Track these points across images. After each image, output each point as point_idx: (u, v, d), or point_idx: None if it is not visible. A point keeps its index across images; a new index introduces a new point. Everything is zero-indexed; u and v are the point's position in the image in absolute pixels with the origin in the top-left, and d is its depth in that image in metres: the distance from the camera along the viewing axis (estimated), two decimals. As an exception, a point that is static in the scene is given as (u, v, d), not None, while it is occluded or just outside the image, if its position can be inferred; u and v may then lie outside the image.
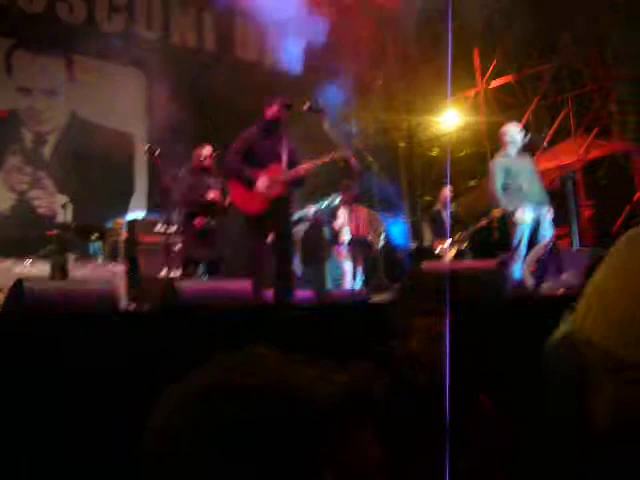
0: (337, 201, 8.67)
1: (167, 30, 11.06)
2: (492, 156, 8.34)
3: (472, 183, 11.79)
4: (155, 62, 9.92)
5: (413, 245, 10.78)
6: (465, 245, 8.55)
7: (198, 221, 6.79)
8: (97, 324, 3.60)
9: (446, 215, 9.03)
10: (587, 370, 1.52)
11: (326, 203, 8.68)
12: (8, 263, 7.15)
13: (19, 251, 7.93)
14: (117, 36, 10.46)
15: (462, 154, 11.96)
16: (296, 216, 7.06)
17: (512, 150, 7.38)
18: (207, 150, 7.10)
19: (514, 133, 7.47)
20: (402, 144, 12.72)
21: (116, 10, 10.63)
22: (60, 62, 10.05)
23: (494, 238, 8.70)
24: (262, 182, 5.60)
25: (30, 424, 2.79)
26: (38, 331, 3.24)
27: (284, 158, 5.78)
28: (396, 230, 10.71)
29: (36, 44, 9.71)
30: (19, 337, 3.18)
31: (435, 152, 12.71)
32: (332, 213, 8.68)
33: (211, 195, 6.85)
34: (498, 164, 7.39)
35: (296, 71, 12.31)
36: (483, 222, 8.36)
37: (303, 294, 6.53)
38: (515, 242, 7.09)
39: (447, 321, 1.86)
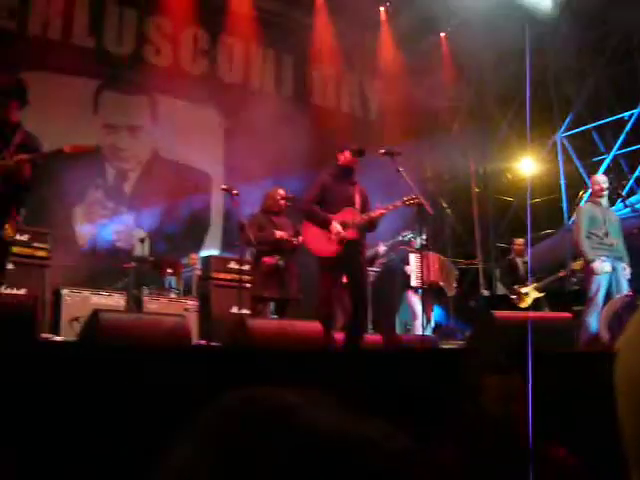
0: (407, 238, 8.57)
1: (247, 75, 11.35)
2: (571, 203, 8.19)
3: (547, 231, 11.56)
4: (234, 105, 10.17)
5: (486, 293, 10.61)
6: (541, 294, 8.36)
7: (267, 260, 6.85)
8: (168, 357, 3.65)
9: (521, 263, 8.86)
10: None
11: (396, 240, 8.61)
12: (86, 293, 7.36)
13: (97, 282, 8.17)
14: (200, 78, 10.81)
15: (537, 201, 11.77)
16: (366, 255, 7.04)
17: (602, 199, 7.26)
18: (279, 192, 7.19)
19: (603, 181, 7.34)
20: (477, 190, 12.61)
21: (200, 54, 11.00)
22: (144, 101, 10.42)
23: (570, 288, 8.49)
24: (336, 226, 5.63)
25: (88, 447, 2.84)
26: (112, 360, 3.31)
27: (357, 202, 5.81)
28: (468, 277, 10.56)
29: (122, 84, 10.12)
30: (94, 364, 3.25)
31: (510, 198, 12.56)
32: (403, 258, 8.62)
33: (281, 235, 6.91)
34: (586, 211, 7.25)
35: (372, 116, 12.45)
36: (562, 273, 8.17)
37: (373, 338, 6.49)
38: (591, 293, 6.90)
39: (529, 374, 1.78)
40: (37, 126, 5.34)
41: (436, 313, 8.86)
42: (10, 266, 5.90)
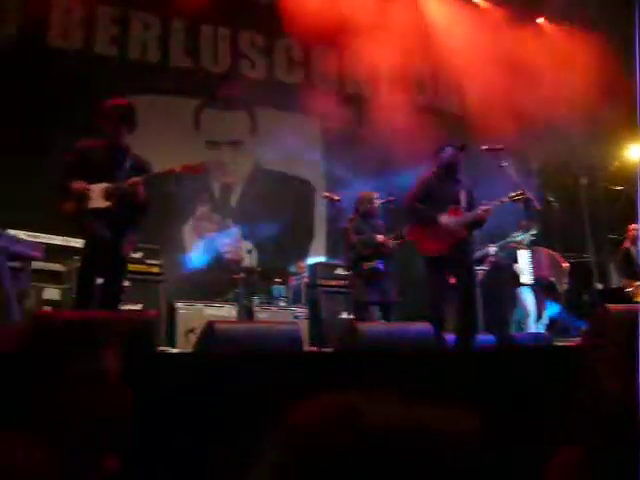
0: (518, 238, 8.41)
1: (342, 81, 11.42)
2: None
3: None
4: (331, 111, 10.23)
5: (599, 286, 10.24)
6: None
7: (367, 265, 6.84)
8: (282, 364, 3.72)
9: (636, 253, 8.51)
10: None
11: (506, 241, 8.45)
12: (199, 306, 7.60)
13: (208, 294, 8.40)
14: (296, 88, 10.96)
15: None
16: (476, 255, 6.93)
17: None
18: (374, 195, 7.16)
19: None
20: (584, 180, 12.18)
21: (294, 64, 11.15)
22: (243, 115, 10.66)
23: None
24: (444, 217, 5.56)
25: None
26: (228, 369, 3.41)
27: (463, 200, 5.73)
28: (580, 271, 10.20)
29: (221, 101, 10.39)
30: (210, 374, 3.35)
31: (620, 187, 12.06)
32: (513, 255, 8.43)
33: (379, 239, 6.90)
34: None
35: (470, 111, 12.25)
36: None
37: (484, 338, 6.39)
38: None
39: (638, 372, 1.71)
40: (143, 148, 5.55)
41: (550, 309, 8.63)
42: (126, 283, 6.16)
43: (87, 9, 9.67)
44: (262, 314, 7.82)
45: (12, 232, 6.57)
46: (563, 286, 8.47)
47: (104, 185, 4.92)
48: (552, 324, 8.35)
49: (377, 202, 7.06)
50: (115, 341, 1.54)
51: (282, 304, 8.37)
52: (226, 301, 8.14)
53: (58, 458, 1.30)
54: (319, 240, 10.69)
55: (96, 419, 1.45)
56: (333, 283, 8.21)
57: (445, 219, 5.60)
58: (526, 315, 8.22)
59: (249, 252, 8.69)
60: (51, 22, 9.42)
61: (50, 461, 1.29)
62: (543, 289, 8.33)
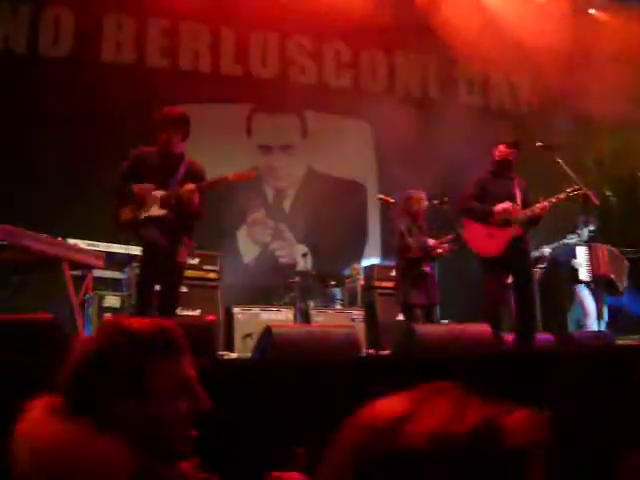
0: (574, 239, 8.25)
1: (392, 82, 11.38)
2: None
3: None
4: (382, 113, 10.20)
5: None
6: None
7: (415, 268, 6.81)
8: (340, 368, 3.72)
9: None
10: None
11: (563, 242, 8.31)
12: (256, 310, 7.65)
13: (264, 299, 8.46)
14: (345, 91, 10.97)
15: None
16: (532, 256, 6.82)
17: None
18: (422, 196, 7.12)
19: None
20: (640, 173, 11.88)
21: (343, 67, 11.15)
22: (294, 120, 10.71)
23: None
24: (502, 205, 5.48)
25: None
26: (287, 373, 3.42)
27: (518, 198, 5.65)
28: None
29: (272, 106, 10.45)
30: (271, 379, 3.37)
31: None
32: (570, 252, 8.26)
33: (430, 242, 6.87)
34: None
35: (523, 110, 12.09)
36: None
37: (543, 337, 6.27)
38: None
39: None
40: (196, 154, 5.61)
41: (610, 306, 8.41)
42: (184, 289, 6.24)
43: (138, 22, 9.86)
44: (318, 317, 7.84)
45: (72, 241, 6.74)
46: (622, 283, 8.26)
47: (159, 193, 5.01)
48: (613, 322, 8.15)
49: (425, 203, 7.00)
50: (189, 348, 1.54)
51: (338, 307, 8.38)
52: (282, 305, 8.18)
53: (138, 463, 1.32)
54: (373, 242, 10.66)
55: (178, 430, 1.45)
56: (389, 285, 8.17)
57: (500, 207, 5.53)
58: (585, 313, 8.04)
59: (304, 256, 8.71)
60: (103, 37, 9.62)
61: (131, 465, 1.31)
62: (602, 286, 8.14)
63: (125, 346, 1.43)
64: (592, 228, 8.24)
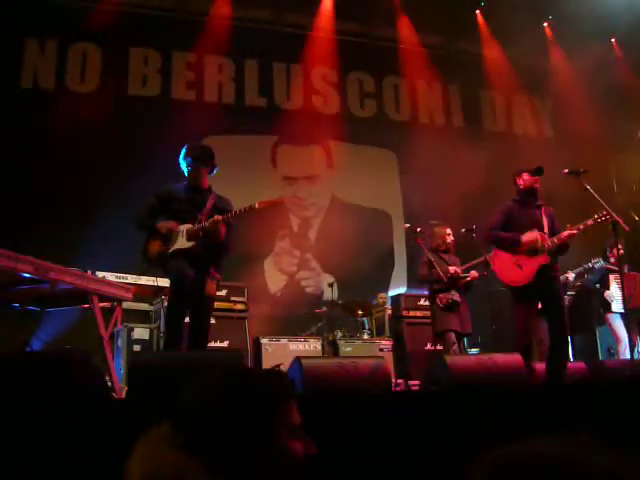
0: (599, 264, 8.13)
1: (416, 110, 11.42)
2: None
3: None
4: (407, 142, 10.23)
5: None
6: None
7: (442, 297, 6.85)
8: (372, 399, 3.69)
9: None
10: None
11: (586, 267, 8.19)
12: (284, 341, 7.62)
13: (292, 329, 8.44)
14: (369, 120, 11.02)
15: None
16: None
17: None
18: (447, 230, 7.24)
19: None
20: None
21: (367, 97, 11.22)
22: (319, 150, 10.76)
23: None
24: (532, 233, 5.44)
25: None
26: (319, 405, 3.39)
27: (545, 225, 5.59)
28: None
29: (296, 137, 10.52)
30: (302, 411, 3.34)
31: None
32: (600, 279, 8.14)
33: (452, 270, 6.90)
34: None
35: (546, 134, 12.06)
36: None
37: (574, 365, 6.18)
38: None
39: None
40: (223, 187, 5.64)
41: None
42: (213, 321, 6.24)
43: (163, 57, 10.01)
44: (346, 347, 7.79)
45: (101, 274, 6.79)
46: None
47: (187, 226, 5.04)
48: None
49: (449, 234, 7.13)
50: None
51: (366, 337, 8.32)
52: (310, 335, 8.15)
53: None
54: (400, 271, 10.63)
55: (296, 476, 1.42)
56: (416, 314, 8.12)
57: (527, 236, 5.48)
58: (618, 340, 7.89)
59: (330, 285, 8.69)
60: (130, 71, 9.78)
61: None
62: (635, 315, 7.98)
63: (253, 394, 1.42)
64: (620, 252, 8.10)
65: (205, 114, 9.63)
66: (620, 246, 7.79)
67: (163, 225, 5.07)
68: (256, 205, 5.10)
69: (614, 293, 7.89)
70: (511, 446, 0.90)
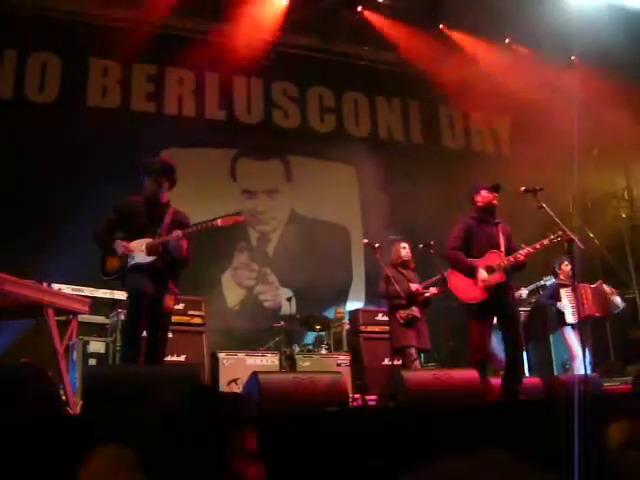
0: (550, 282, 8.29)
1: (375, 126, 11.53)
2: None
3: None
4: (365, 157, 10.31)
5: (646, 323, 10.02)
6: None
7: (401, 313, 6.88)
8: (329, 415, 3.70)
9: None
10: None
11: (539, 284, 8.35)
12: (241, 355, 7.59)
13: (249, 343, 8.40)
14: (329, 135, 11.08)
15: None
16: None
17: None
18: (402, 244, 7.28)
19: None
20: (623, 214, 12.04)
21: (327, 111, 11.29)
22: (278, 164, 10.78)
23: None
24: (482, 273, 5.53)
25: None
26: (275, 419, 3.38)
27: (502, 244, 5.67)
28: (626, 308, 9.98)
29: (256, 150, 10.53)
30: (258, 424, 3.33)
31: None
32: (552, 294, 8.29)
33: (416, 288, 6.94)
34: None
35: (504, 153, 12.26)
36: None
37: (529, 381, 6.26)
38: None
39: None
40: (182, 199, 5.62)
41: (595, 348, 8.41)
42: (170, 335, 6.18)
43: (124, 68, 9.95)
44: (304, 362, 7.79)
45: (57, 286, 6.68)
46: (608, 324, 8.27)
47: (146, 240, 5.00)
48: (598, 364, 8.14)
49: (405, 253, 7.18)
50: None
51: (324, 352, 8.33)
52: (267, 350, 8.13)
53: None
54: (358, 286, 10.67)
55: None
56: (374, 329, 8.16)
57: (483, 277, 5.56)
58: (573, 358, 8.02)
59: (288, 300, 8.69)
60: (89, 82, 9.70)
61: None
62: (588, 327, 8.13)
63: (210, 419, 1.42)
64: (569, 270, 8.25)
65: (165, 126, 9.59)
66: (566, 263, 7.97)
67: (119, 246, 5.01)
68: (218, 222, 5.09)
69: (566, 305, 8.04)
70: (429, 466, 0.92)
